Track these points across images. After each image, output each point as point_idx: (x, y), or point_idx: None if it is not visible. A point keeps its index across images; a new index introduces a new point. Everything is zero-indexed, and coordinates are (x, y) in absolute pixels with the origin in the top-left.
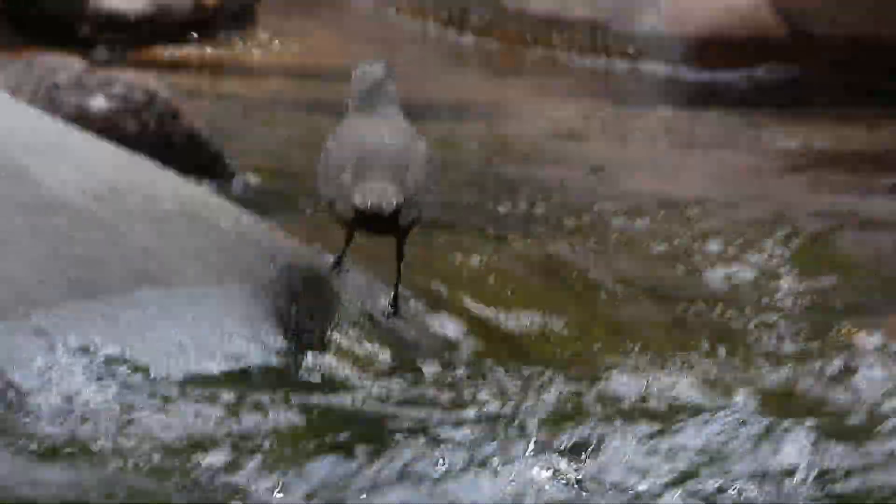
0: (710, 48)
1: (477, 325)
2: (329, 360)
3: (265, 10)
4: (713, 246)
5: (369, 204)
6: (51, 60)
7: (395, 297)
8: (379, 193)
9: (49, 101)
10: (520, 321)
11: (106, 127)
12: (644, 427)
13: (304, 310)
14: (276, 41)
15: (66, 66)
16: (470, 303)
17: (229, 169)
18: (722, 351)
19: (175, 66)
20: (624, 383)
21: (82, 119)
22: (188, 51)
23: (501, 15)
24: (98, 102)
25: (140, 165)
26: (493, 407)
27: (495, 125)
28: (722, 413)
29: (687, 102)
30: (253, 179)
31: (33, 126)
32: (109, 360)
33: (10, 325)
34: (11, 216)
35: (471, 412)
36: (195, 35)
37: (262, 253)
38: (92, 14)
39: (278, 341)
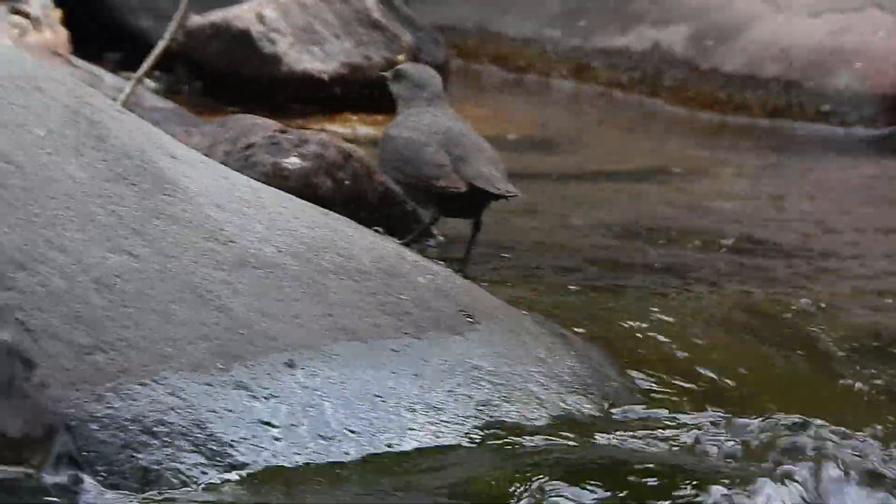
0: None
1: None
2: (532, 411)
3: (458, 80)
4: None
5: (505, 190)
6: (245, 120)
7: (467, 254)
8: (505, 183)
9: (244, 160)
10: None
11: (301, 185)
12: None
13: (502, 361)
14: (467, 105)
15: (260, 125)
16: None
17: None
18: None
19: (367, 126)
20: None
21: (277, 178)
22: (379, 114)
23: (695, 74)
24: (293, 161)
25: (335, 223)
26: None
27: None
28: None
29: (884, 157)
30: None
31: (228, 185)
32: (307, 413)
33: (210, 378)
34: (209, 272)
35: None
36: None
37: (460, 306)
38: (286, 76)
39: (478, 392)
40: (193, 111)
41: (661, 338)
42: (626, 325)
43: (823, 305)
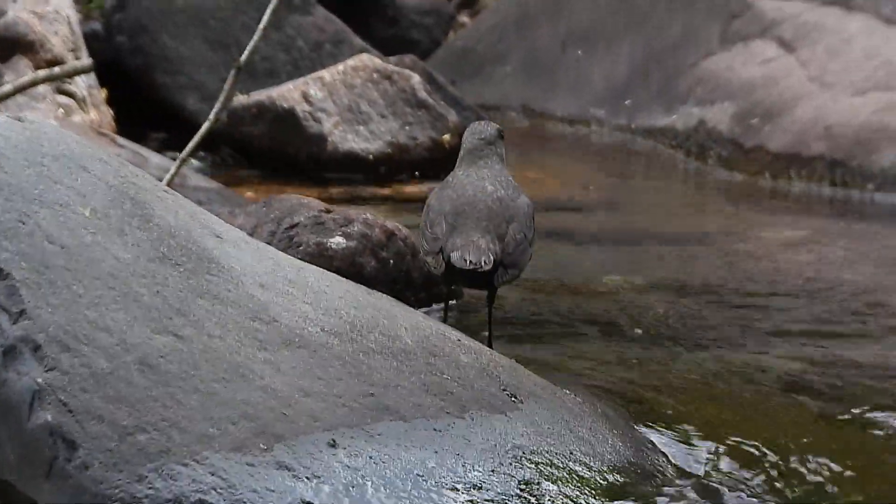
0: None
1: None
2: (573, 490)
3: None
4: None
5: (467, 263)
6: (290, 200)
7: (490, 338)
8: (476, 251)
9: (288, 240)
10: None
11: (346, 265)
12: None
13: (544, 440)
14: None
15: (305, 205)
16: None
17: (467, 303)
18: None
19: (410, 201)
20: None
21: (322, 257)
22: (424, 187)
23: (739, 152)
24: (338, 241)
25: (379, 302)
26: None
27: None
28: None
29: None
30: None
31: (272, 265)
32: (349, 492)
33: (252, 458)
34: (252, 352)
35: None
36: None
37: (503, 385)
38: (331, 155)
39: (520, 472)
40: (237, 183)
41: (705, 404)
42: (669, 394)
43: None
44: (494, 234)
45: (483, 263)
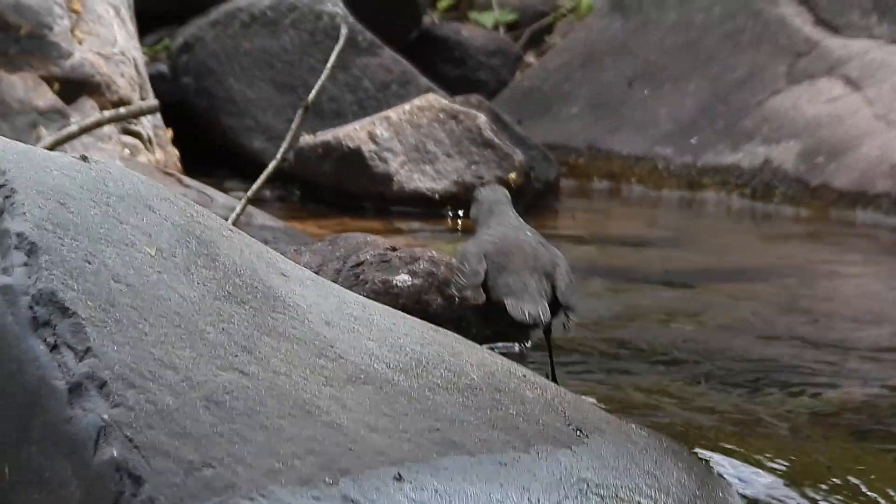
0: None
1: None
2: None
3: (568, 195)
4: None
5: (526, 315)
6: (355, 238)
7: (553, 371)
8: (532, 301)
9: (354, 277)
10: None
11: (411, 302)
12: None
13: (610, 473)
14: (577, 217)
15: (370, 243)
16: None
17: (533, 338)
18: None
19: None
20: None
21: (388, 295)
22: None
23: (805, 191)
24: (403, 279)
25: (445, 338)
26: None
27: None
28: None
29: None
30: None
31: (338, 302)
32: None
33: (318, 492)
34: (318, 388)
35: None
36: None
37: (568, 419)
38: (397, 194)
39: None
40: (302, 215)
41: (772, 441)
42: (736, 430)
43: None
44: (542, 273)
45: (542, 314)
